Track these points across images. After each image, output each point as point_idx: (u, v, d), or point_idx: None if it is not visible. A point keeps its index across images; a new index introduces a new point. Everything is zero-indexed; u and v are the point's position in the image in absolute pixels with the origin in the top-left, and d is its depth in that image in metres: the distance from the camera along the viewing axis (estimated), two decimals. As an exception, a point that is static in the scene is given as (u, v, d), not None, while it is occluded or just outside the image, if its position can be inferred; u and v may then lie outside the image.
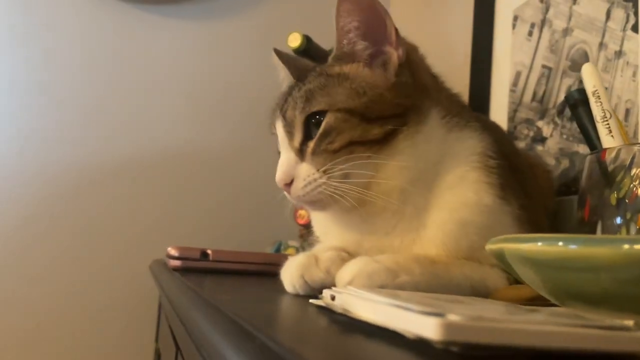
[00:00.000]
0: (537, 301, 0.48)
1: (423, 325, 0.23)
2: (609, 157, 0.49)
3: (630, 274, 0.28)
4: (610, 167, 0.50)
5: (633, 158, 0.47)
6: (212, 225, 1.47)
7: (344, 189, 0.51)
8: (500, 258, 0.37)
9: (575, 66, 0.90)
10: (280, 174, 0.54)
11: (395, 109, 0.52)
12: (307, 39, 1.13)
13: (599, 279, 0.29)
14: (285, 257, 0.85)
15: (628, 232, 0.46)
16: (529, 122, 0.99)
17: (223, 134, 1.51)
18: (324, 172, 0.52)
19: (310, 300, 0.41)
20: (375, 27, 0.54)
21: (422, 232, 0.53)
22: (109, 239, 1.39)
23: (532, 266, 0.34)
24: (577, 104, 0.57)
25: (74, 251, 1.36)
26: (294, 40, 1.11)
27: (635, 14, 0.79)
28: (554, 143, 0.92)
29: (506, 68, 1.08)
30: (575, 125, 0.89)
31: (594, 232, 0.49)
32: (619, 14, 0.83)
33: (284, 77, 0.66)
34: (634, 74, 0.78)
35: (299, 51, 1.14)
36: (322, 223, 0.61)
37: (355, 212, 0.53)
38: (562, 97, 0.92)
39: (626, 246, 0.27)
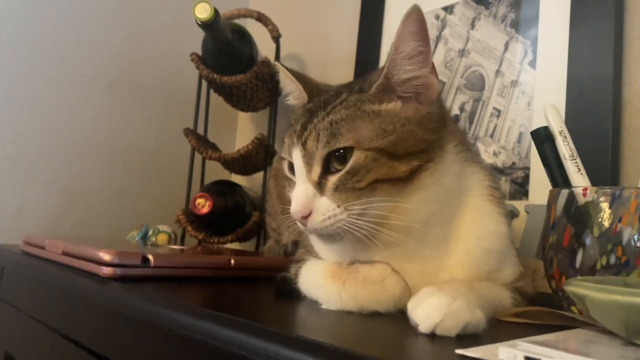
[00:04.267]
0: (527, 314, 0.56)
1: None
2: (590, 195, 0.59)
3: None
4: (582, 202, 0.60)
5: (614, 198, 0.57)
6: (64, 207, 1.25)
7: (360, 224, 0.51)
8: (578, 299, 0.43)
9: (471, 86, 1.02)
10: (298, 206, 0.52)
11: (421, 145, 0.53)
12: (216, 12, 1.04)
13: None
14: (229, 258, 0.74)
15: (608, 261, 0.56)
16: (418, 127, 1.08)
17: (88, 110, 1.29)
18: (345, 208, 0.52)
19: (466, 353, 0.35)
20: (424, 52, 0.52)
21: (447, 259, 0.55)
22: None
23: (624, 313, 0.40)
24: (544, 140, 0.66)
25: None
26: (203, 11, 1.02)
27: (534, 51, 0.93)
28: (445, 151, 1.03)
29: (394, 72, 1.15)
30: (470, 135, 1.01)
31: (574, 257, 0.58)
32: (517, 47, 0.96)
33: (290, 90, 0.62)
34: (529, 104, 0.92)
35: (207, 24, 1.04)
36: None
37: (373, 241, 0.53)
38: (455, 110, 1.03)
39: None
